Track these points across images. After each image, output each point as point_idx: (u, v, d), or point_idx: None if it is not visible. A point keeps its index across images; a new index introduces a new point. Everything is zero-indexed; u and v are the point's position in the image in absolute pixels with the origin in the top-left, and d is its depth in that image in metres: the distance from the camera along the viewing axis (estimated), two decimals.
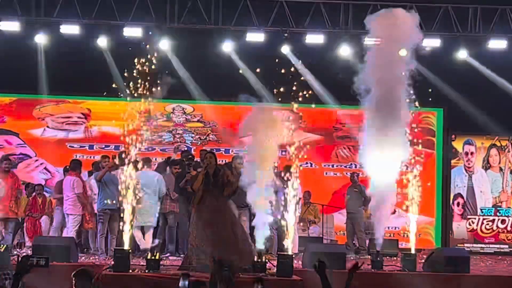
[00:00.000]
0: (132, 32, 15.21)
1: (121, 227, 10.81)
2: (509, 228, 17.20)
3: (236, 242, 10.84)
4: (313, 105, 11.26)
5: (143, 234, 12.82)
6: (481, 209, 17.23)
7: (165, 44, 15.66)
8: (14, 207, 13.05)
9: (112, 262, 10.52)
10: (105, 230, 12.89)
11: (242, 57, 16.22)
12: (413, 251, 11.95)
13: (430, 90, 12.55)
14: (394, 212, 17.07)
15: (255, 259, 10.58)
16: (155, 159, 16.02)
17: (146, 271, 10.40)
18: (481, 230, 17.17)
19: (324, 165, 17.18)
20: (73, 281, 6.93)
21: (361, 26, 15.97)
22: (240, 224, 11.37)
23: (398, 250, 14.28)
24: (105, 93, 12.22)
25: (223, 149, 16.87)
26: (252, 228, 13.25)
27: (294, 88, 11.34)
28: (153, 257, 10.57)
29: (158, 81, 11.18)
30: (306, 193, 15.26)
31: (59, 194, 13.54)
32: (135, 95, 11.02)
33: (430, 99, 13.38)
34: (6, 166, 13.17)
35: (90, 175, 13.95)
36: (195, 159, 13.65)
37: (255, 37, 15.88)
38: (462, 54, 16.37)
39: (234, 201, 12.89)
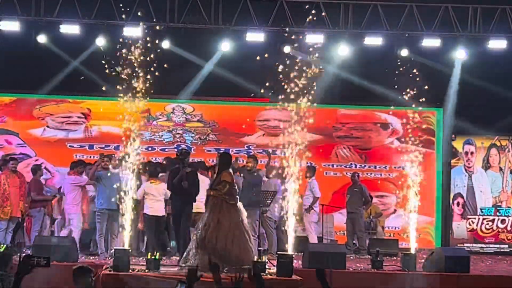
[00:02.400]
0: (132, 31, 15.20)
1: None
2: (509, 228, 17.19)
3: (235, 241, 10.81)
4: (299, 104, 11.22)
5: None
6: (481, 209, 17.22)
7: (165, 44, 15.65)
8: (23, 207, 13.10)
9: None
10: (103, 230, 12.87)
11: (242, 56, 16.21)
12: (413, 251, 11.96)
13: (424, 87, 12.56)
14: (394, 212, 17.14)
15: (255, 258, 10.60)
16: (155, 159, 16.03)
17: (146, 270, 10.41)
18: (481, 230, 17.16)
19: (324, 165, 17.18)
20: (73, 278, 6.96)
21: (361, 26, 16.05)
22: (241, 223, 11.29)
23: (398, 250, 14.28)
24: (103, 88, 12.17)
25: (223, 149, 16.84)
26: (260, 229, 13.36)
27: (295, 88, 11.32)
28: (153, 257, 10.59)
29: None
30: None
31: (39, 195, 13.58)
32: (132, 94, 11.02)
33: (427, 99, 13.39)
34: (13, 165, 13.22)
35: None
36: (189, 157, 13.35)
37: (255, 36, 15.88)
38: (462, 54, 16.36)
39: (242, 200, 12.88)
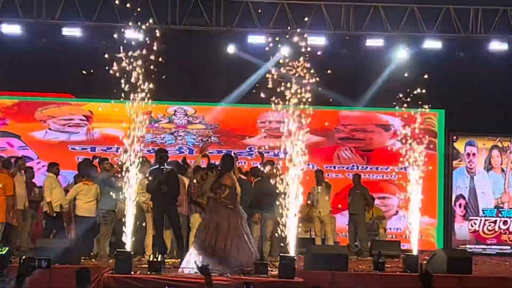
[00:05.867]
0: (133, 34, 15.20)
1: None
2: (511, 229, 17.19)
3: (234, 244, 10.81)
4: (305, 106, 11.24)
5: None
6: (483, 210, 17.22)
7: (166, 46, 15.64)
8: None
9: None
10: (109, 232, 12.89)
11: (243, 58, 16.23)
12: (415, 253, 11.95)
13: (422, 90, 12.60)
14: (396, 214, 17.13)
15: (256, 261, 10.62)
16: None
17: (148, 273, 10.41)
18: (483, 231, 17.16)
19: (326, 167, 17.17)
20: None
21: (362, 27, 16.06)
22: (241, 226, 11.27)
23: (400, 252, 14.29)
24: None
25: (225, 151, 16.84)
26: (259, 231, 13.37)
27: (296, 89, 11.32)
28: (155, 259, 10.60)
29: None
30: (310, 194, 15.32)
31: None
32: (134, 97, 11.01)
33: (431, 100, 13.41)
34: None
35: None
36: (168, 158, 13.07)
37: (257, 38, 15.88)
38: (462, 55, 16.37)
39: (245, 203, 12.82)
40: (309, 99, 11.24)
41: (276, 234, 13.43)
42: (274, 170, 13.42)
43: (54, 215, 13.25)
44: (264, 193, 13.19)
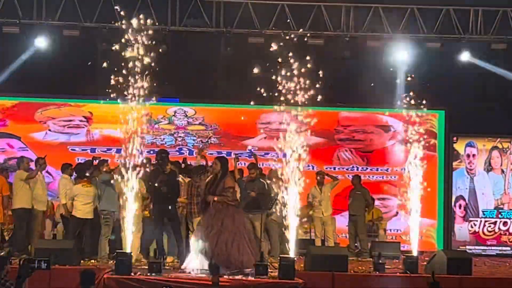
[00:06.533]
0: (133, 35, 15.19)
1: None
2: (511, 230, 17.18)
3: (235, 245, 10.82)
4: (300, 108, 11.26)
5: None
6: (483, 211, 17.22)
7: (165, 47, 15.65)
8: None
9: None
10: (109, 233, 12.88)
11: (243, 59, 16.21)
12: (415, 254, 11.95)
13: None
14: (396, 215, 17.12)
15: (257, 261, 10.62)
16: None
17: (148, 274, 10.41)
18: (483, 232, 17.15)
19: (326, 168, 17.15)
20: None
21: (362, 28, 16.06)
22: (243, 227, 11.28)
23: (400, 253, 14.29)
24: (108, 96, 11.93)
25: (225, 152, 16.87)
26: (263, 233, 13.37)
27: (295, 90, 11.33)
28: (155, 260, 10.60)
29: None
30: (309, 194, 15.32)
31: None
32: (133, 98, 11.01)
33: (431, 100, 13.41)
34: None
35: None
36: (169, 158, 12.99)
37: (256, 39, 15.88)
38: (463, 56, 16.37)
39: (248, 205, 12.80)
40: (309, 100, 11.27)
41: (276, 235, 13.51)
42: (258, 171, 13.52)
43: (69, 216, 13.28)
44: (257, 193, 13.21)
